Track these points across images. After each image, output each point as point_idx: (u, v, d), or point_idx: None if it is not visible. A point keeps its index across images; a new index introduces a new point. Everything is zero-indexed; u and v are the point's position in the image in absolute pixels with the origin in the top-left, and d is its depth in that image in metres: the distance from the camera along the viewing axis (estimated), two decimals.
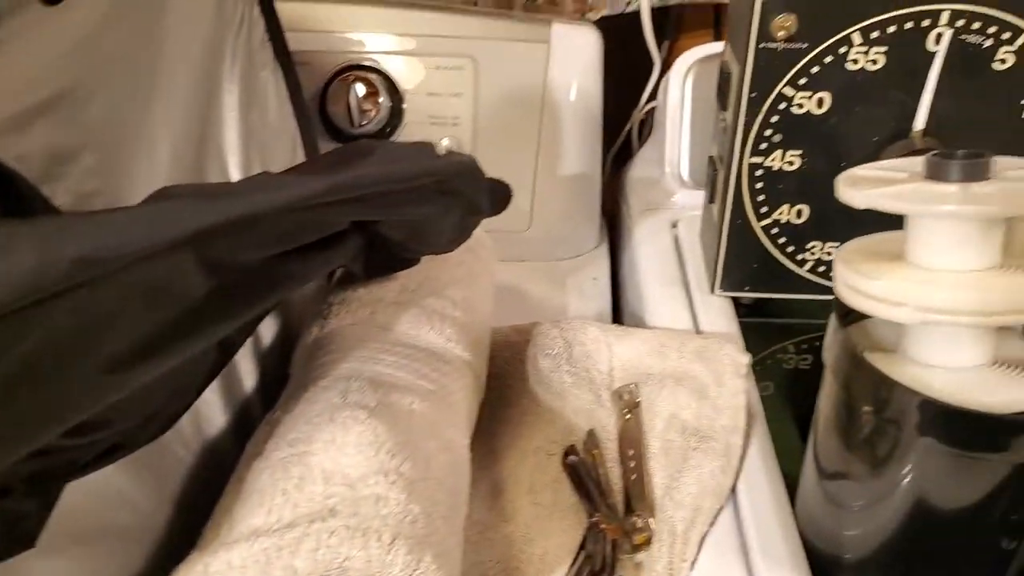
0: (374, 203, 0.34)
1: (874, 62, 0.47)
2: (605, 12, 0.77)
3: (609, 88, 0.70)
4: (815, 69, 0.48)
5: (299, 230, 0.32)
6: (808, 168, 0.51)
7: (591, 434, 0.46)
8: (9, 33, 0.29)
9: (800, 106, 0.49)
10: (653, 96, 0.79)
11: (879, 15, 0.46)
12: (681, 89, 0.68)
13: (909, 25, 0.46)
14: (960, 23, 0.46)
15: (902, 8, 0.46)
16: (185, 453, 0.38)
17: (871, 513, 0.38)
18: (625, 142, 0.84)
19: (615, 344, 0.52)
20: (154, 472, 0.36)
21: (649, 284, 0.61)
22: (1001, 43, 0.46)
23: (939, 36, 0.46)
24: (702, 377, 0.48)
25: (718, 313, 0.56)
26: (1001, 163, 0.34)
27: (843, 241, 0.40)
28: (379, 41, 0.65)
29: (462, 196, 0.40)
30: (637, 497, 0.43)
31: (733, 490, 0.43)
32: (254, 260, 0.31)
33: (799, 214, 0.53)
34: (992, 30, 0.46)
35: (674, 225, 0.67)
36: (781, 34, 0.47)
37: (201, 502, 0.36)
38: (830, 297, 0.38)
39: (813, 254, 0.54)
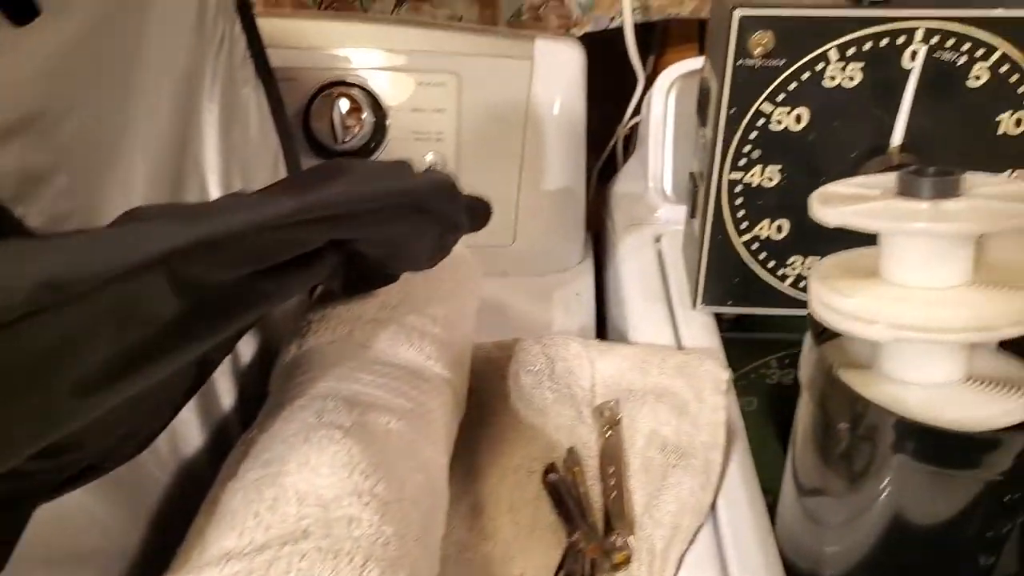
0: (347, 222, 0.34)
1: (851, 78, 0.48)
2: (589, 28, 0.78)
3: (595, 103, 0.70)
4: (793, 86, 0.48)
5: (272, 249, 0.32)
6: (787, 184, 0.51)
7: (572, 451, 0.46)
8: None
9: (778, 122, 0.49)
10: (638, 111, 0.79)
11: (855, 32, 0.46)
12: (664, 104, 0.68)
13: (885, 42, 0.47)
14: (934, 40, 0.46)
15: (877, 25, 0.46)
16: (161, 474, 0.38)
17: (849, 530, 0.38)
18: (610, 157, 0.84)
19: (597, 360, 0.52)
20: (127, 493, 0.35)
21: (632, 299, 0.61)
22: (975, 60, 0.47)
23: (914, 53, 0.47)
24: (683, 393, 0.48)
25: (700, 328, 0.56)
26: (972, 180, 0.35)
27: (824, 256, 0.40)
28: (363, 57, 0.66)
29: (439, 214, 0.40)
30: (617, 515, 0.42)
31: (713, 507, 0.43)
32: (227, 280, 0.31)
33: (779, 229, 0.53)
34: (966, 47, 0.46)
35: (657, 240, 0.67)
36: (758, 51, 0.47)
37: (177, 523, 0.35)
38: None
39: (794, 269, 0.54)
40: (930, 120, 0.48)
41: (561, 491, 0.44)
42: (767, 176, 0.51)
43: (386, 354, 0.42)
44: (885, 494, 0.35)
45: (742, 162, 0.51)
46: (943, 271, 0.34)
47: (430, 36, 0.67)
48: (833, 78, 0.48)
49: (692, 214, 0.58)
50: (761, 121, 0.49)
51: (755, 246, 0.54)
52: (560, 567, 0.40)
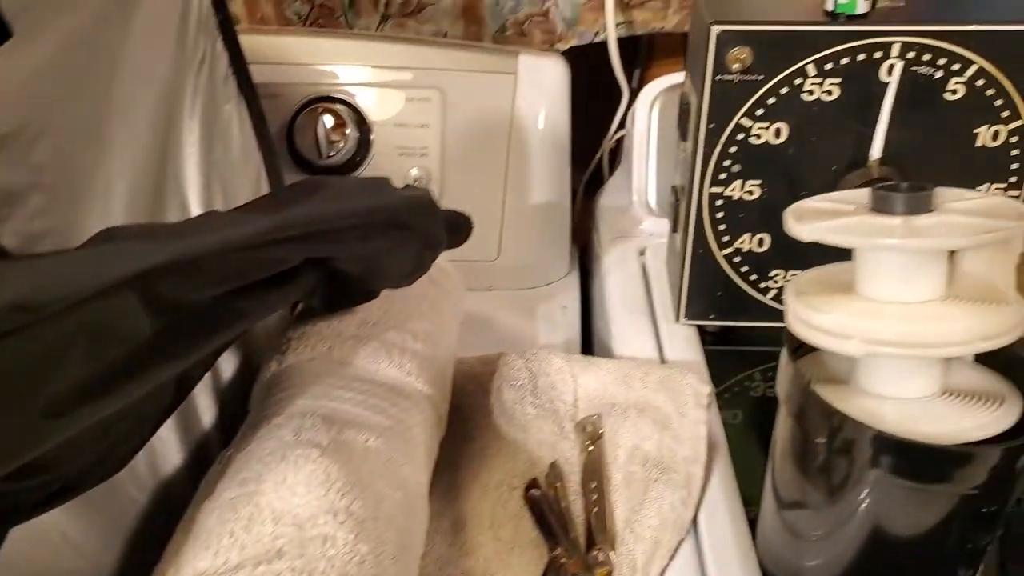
0: (324, 239, 0.34)
1: (829, 93, 0.48)
2: (574, 43, 0.78)
3: (582, 116, 0.71)
4: (771, 100, 0.48)
5: (248, 268, 0.32)
6: (768, 197, 0.51)
7: (554, 467, 0.46)
8: None
9: (758, 136, 0.50)
10: (623, 124, 0.79)
11: (832, 47, 0.47)
12: (647, 118, 0.69)
13: (862, 57, 0.47)
14: (911, 55, 0.47)
15: (854, 41, 0.47)
16: (138, 493, 0.38)
17: (829, 543, 0.38)
18: (597, 170, 0.85)
19: (580, 375, 0.52)
20: (104, 514, 0.35)
21: (616, 312, 0.61)
22: (952, 74, 0.47)
23: (891, 67, 0.47)
24: (665, 407, 0.48)
25: (684, 342, 0.56)
26: (945, 195, 0.35)
27: (806, 269, 0.40)
28: (347, 73, 0.66)
29: (417, 230, 0.40)
30: (599, 530, 0.42)
31: (694, 522, 0.43)
32: (202, 299, 0.31)
33: (761, 243, 0.53)
34: (942, 61, 0.47)
35: (642, 253, 0.67)
36: (736, 66, 0.47)
37: (154, 543, 0.35)
38: None
39: (776, 282, 0.55)
40: (909, 133, 0.49)
41: (543, 507, 0.44)
42: (747, 190, 0.51)
43: (366, 371, 0.42)
44: (863, 507, 0.35)
45: (722, 176, 0.51)
46: (917, 286, 0.34)
47: (414, 52, 0.67)
48: (811, 93, 0.48)
49: (675, 228, 0.58)
50: (741, 135, 0.50)
51: (737, 259, 0.54)
52: None
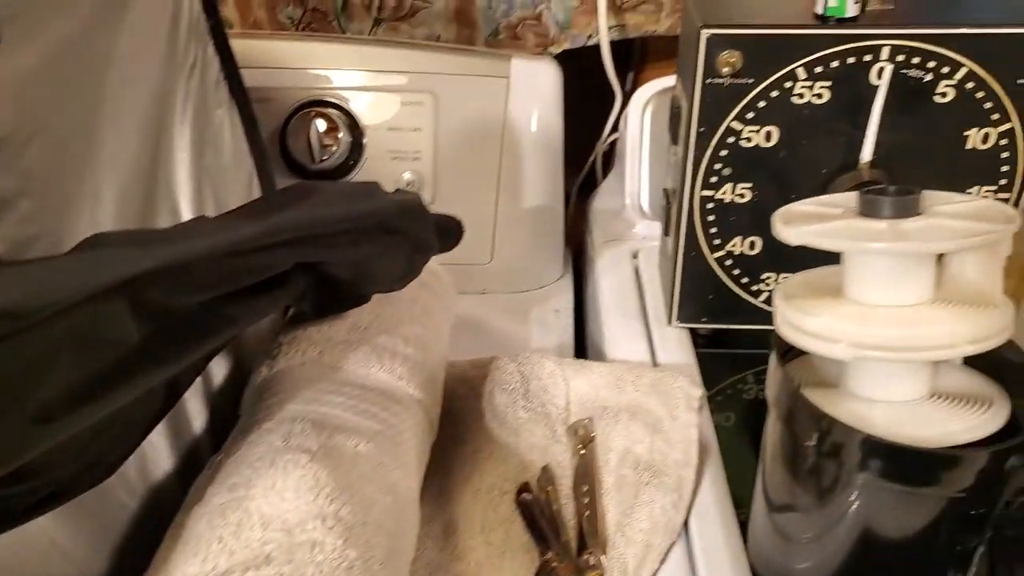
0: (314, 244, 0.34)
1: (819, 96, 0.48)
2: (567, 46, 0.78)
3: (575, 119, 0.71)
4: (762, 104, 0.49)
5: (237, 274, 0.32)
6: (759, 200, 0.52)
7: (546, 470, 0.46)
8: None
9: (748, 140, 0.50)
10: (616, 127, 0.80)
11: (822, 51, 0.47)
12: (640, 121, 0.69)
13: (851, 60, 0.47)
14: (900, 58, 0.47)
15: (844, 44, 0.47)
16: (128, 498, 0.38)
17: (819, 546, 0.38)
18: (591, 173, 0.85)
19: (572, 378, 0.52)
20: (93, 520, 0.35)
21: (609, 315, 0.61)
22: (941, 77, 0.47)
23: (881, 70, 0.47)
24: (656, 410, 0.48)
25: (676, 344, 0.56)
26: (932, 198, 0.35)
27: (797, 272, 0.40)
28: (339, 77, 0.66)
29: (407, 234, 0.40)
30: (590, 534, 0.42)
31: (685, 525, 0.43)
32: (191, 304, 0.31)
33: (752, 246, 0.53)
34: (932, 64, 0.47)
35: (635, 256, 0.67)
36: (726, 70, 0.47)
37: (144, 549, 0.35)
38: None
39: (768, 285, 0.55)
40: (899, 136, 0.49)
41: (534, 510, 0.44)
42: (738, 193, 0.51)
43: (357, 375, 0.42)
44: (853, 510, 0.35)
45: (713, 179, 0.51)
46: (905, 290, 0.34)
47: (407, 56, 0.67)
48: (801, 96, 0.48)
49: (666, 231, 0.58)
50: (731, 139, 0.50)
51: (728, 262, 0.54)
52: None
